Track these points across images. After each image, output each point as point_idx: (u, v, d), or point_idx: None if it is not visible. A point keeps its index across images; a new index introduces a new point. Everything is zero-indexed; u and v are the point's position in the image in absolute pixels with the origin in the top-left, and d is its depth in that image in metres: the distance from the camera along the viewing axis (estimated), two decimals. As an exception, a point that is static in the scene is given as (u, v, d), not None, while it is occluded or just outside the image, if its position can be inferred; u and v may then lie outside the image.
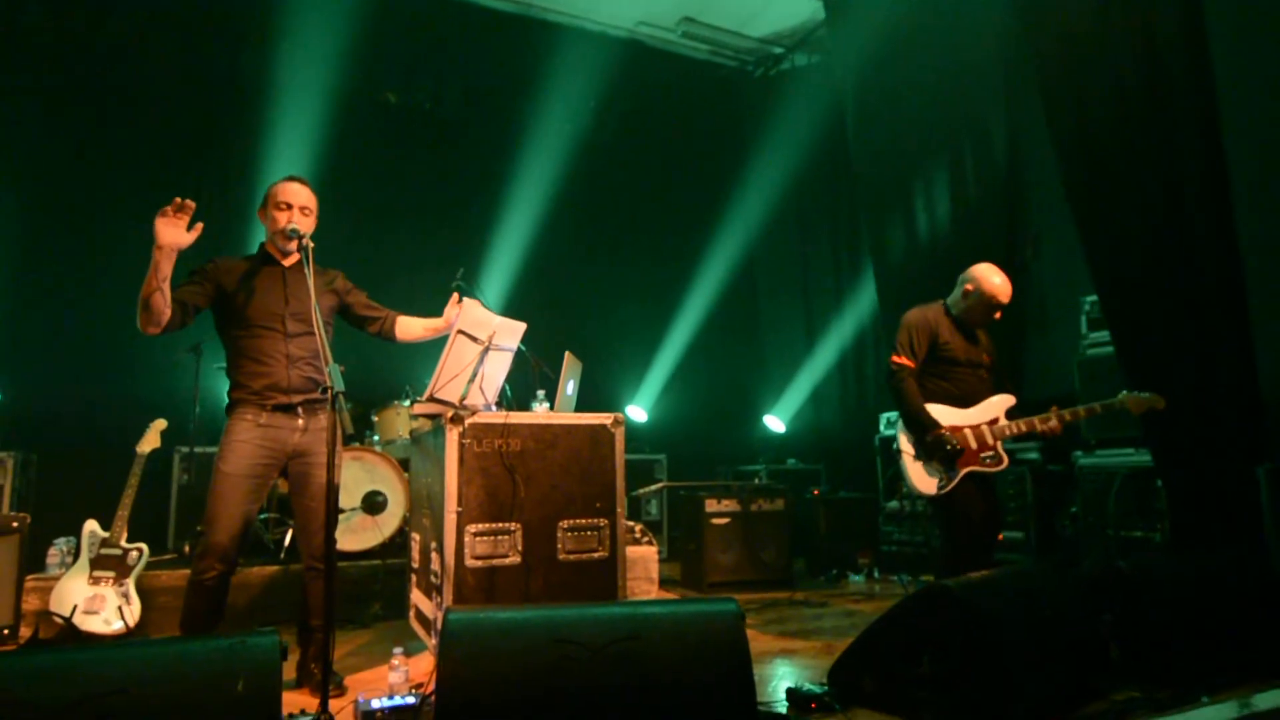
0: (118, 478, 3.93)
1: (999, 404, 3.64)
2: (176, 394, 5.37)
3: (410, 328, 3.21)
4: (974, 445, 3.55)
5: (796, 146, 7.50)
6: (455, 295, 3.11)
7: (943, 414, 3.60)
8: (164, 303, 2.64)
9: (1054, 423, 3.52)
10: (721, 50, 7.72)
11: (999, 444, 3.56)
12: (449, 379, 2.88)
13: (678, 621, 2.22)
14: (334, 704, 2.82)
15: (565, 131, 7.39)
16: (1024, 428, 3.55)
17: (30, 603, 3.85)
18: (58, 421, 5.58)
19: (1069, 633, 2.78)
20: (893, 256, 6.22)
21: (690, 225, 8.00)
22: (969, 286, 3.66)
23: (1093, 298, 4.69)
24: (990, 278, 3.60)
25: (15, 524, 3.92)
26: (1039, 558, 4.87)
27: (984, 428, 3.57)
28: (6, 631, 3.77)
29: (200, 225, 2.62)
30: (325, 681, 2.32)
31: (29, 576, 3.92)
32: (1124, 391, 3.54)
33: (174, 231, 2.56)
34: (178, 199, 2.56)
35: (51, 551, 4.12)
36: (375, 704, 2.61)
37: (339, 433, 2.33)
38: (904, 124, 6.14)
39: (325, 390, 2.38)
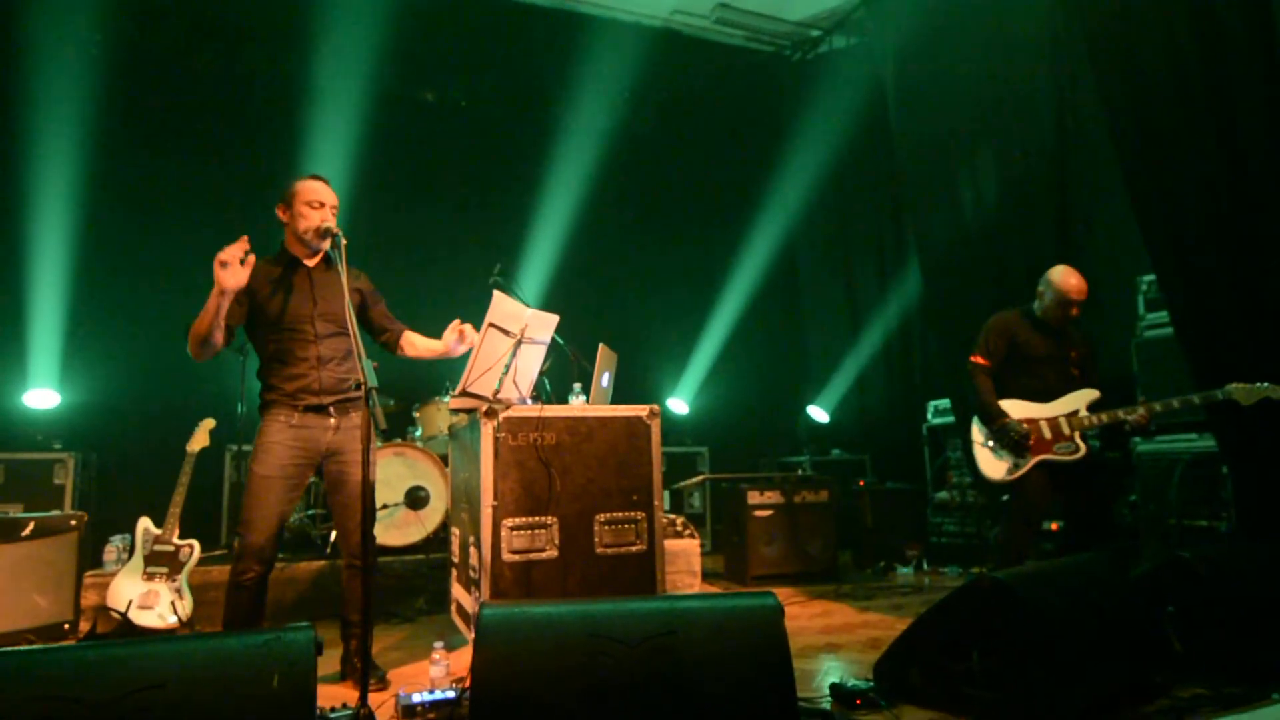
0: (175, 476, 4.03)
1: (1080, 397, 3.76)
2: (227, 394, 5.49)
3: (414, 344, 3.18)
4: (1048, 435, 3.72)
5: (836, 130, 7.33)
6: (456, 322, 3.04)
7: (1018, 407, 3.81)
8: (224, 338, 2.77)
9: (1141, 413, 3.57)
10: (757, 35, 7.59)
11: (1076, 434, 3.67)
12: (481, 373, 2.87)
13: (715, 616, 2.18)
14: (376, 698, 2.84)
15: (601, 123, 7.35)
16: (1105, 419, 3.63)
17: (89, 598, 3.97)
18: (117, 422, 5.77)
19: (1128, 626, 2.67)
20: (938, 240, 6.05)
21: (729, 214, 7.90)
22: (1043, 288, 3.84)
23: (1150, 277, 4.50)
24: (1062, 279, 3.77)
25: (74, 522, 4.04)
26: (1096, 548, 4.69)
27: (1061, 419, 3.72)
28: (67, 626, 3.89)
29: (253, 258, 2.69)
30: (365, 676, 2.33)
31: (88, 573, 4.04)
32: (1232, 384, 3.42)
33: (236, 276, 2.63)
34: (243, 244, 2.62)
35: (108, 548, 4.25)
36: (416, 698, 2.62)
37: (373, 429, 2.33)
38: (947, 104, 5.95)
39: (359, 386, 2.38)
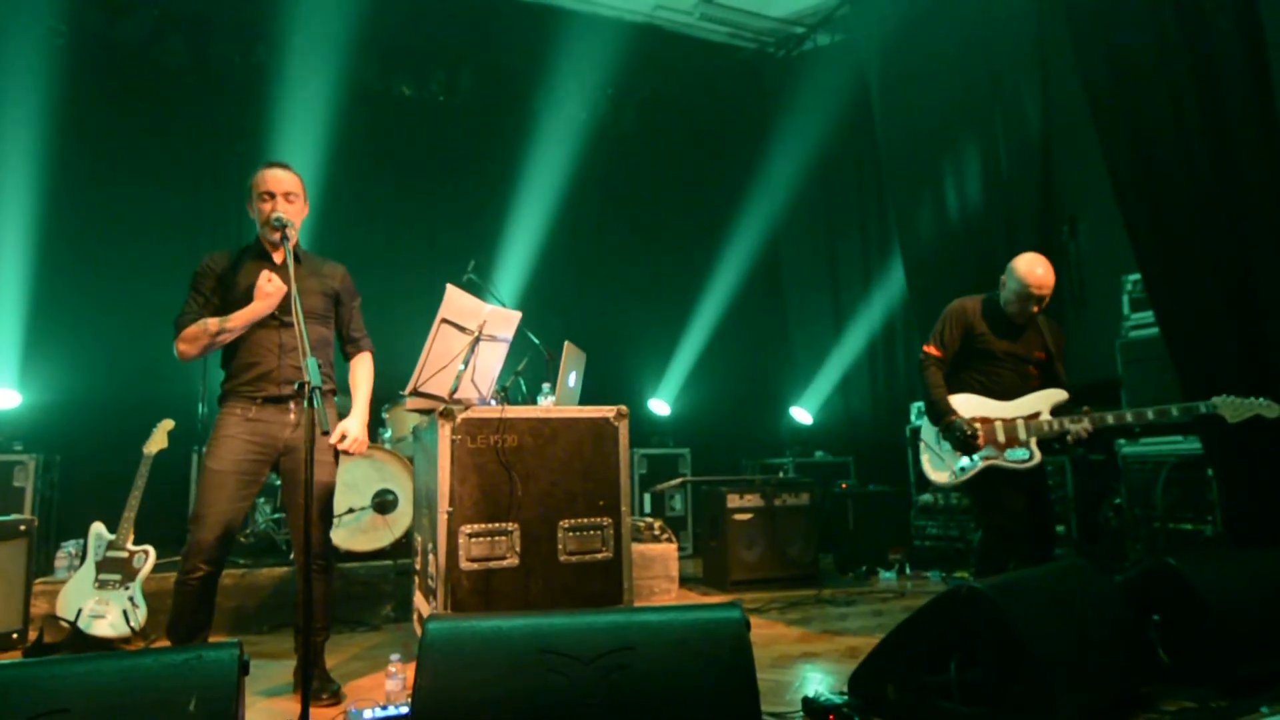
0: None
1: (1042, 399, 3.39)
2: (193, 394, 5.33)
3: (354, 373, 3.04)
4: (1001, 439, 3.33)
5: (821, 128, 7.24)
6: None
7: (970, 404, 3.43)
8: None
9: (1085, 424, 3.24)
10: (741, 32, 7.49)
11: (1033, 441, 3.31)
12: (435, 371, 2.74)
13: (676, 630, 2.05)
14: (326, 713, 2.72)
15: (582, 120, 7.24)
16: (1057, 427, 3.27)
17: (39, 606, 3.82)
18: (81, 423, 5.58)
19: (1113, 636, 2.56)
20: (922, 239, 5.97)
21: (712, 212, 7.78)
22: (1005, 278, 3.45)
23: (1135, 276, 4.42)
24: (1026, 268, 3.34)
25: (23, 527, 3.88)
26: (1079, 553, 4.61)
27: (1017, 422, 3.34)
28: (15, 636, 3.73)
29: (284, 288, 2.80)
30: (306, 690, 2.20)
31: (38, 580, 3.88)
32: (1218, 397, 3.10)
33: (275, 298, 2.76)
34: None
35: (60, 555, 4.09)
36: (366, 714, 2.49)
37: (316, 428, 2.20)
38: (931, 100, 5.87)
39: (302, 386, 2.25)
